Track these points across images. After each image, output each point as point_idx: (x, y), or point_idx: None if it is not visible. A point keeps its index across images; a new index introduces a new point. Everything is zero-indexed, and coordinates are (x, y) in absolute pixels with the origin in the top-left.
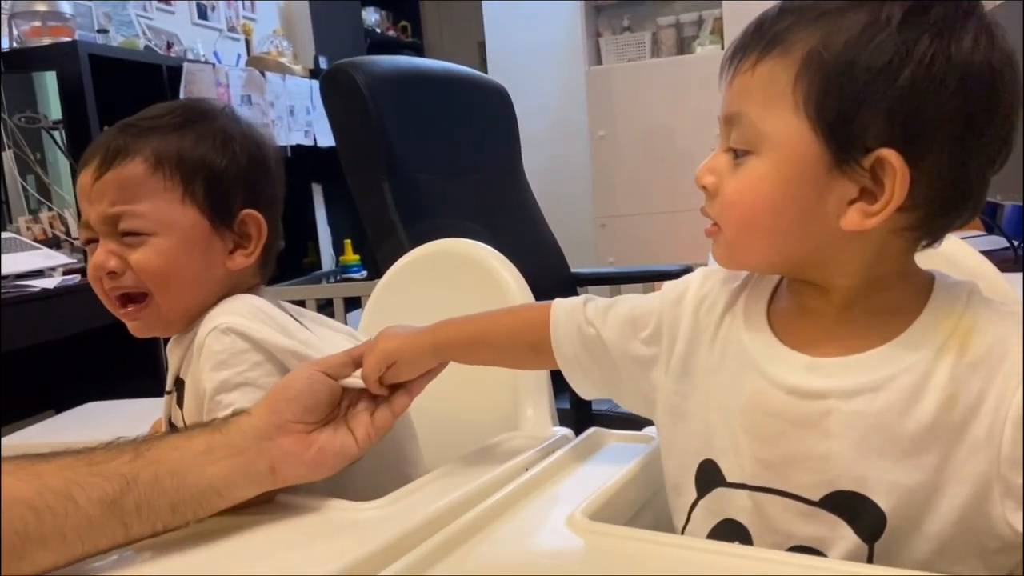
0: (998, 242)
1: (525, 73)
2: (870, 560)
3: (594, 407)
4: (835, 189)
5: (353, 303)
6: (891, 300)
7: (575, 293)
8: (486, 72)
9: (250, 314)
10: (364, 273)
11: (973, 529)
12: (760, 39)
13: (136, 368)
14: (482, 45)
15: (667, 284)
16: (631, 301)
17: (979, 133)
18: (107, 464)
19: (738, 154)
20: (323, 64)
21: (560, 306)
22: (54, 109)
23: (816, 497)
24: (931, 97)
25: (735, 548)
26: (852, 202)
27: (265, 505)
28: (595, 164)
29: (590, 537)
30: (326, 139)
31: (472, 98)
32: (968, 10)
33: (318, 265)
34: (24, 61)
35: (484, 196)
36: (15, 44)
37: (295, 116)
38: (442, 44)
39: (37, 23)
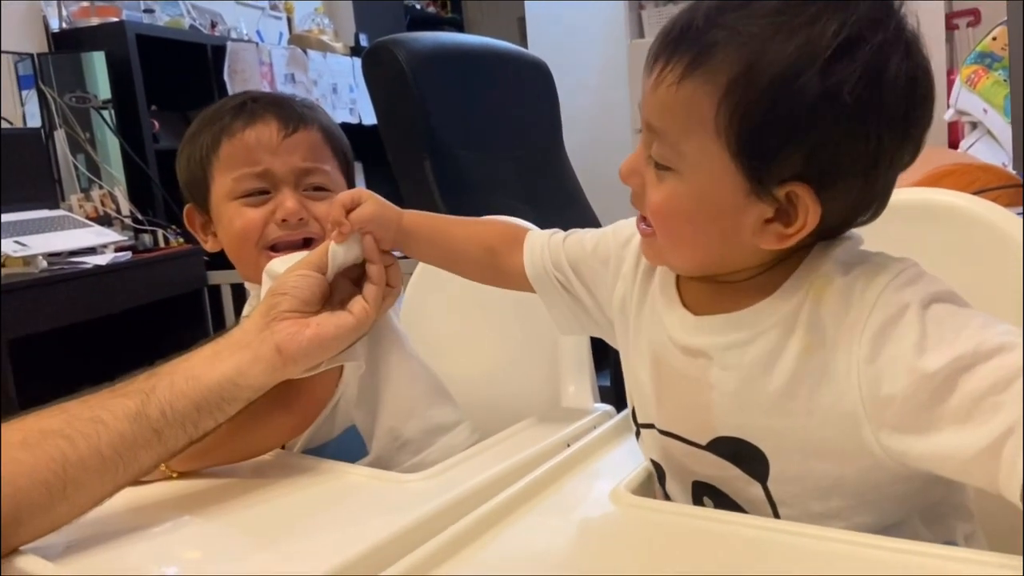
0: None
1: (566, 48)
2: (769, 498)
3: None
4: (751, 211)
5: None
6: (777, 271)
7: None
8: (526, 47)
9: None
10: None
11: (860, 466)
12: (687, 48)
13: (187, 341)
14: (522, 20)
15: (620, 223)
16: (589, 232)
17: (892, 159)
18: (126, 387)
19: (660, 166)
20: (363, 41)
21: (534, 232)
22: (103, 88)
23: (704, 441)
24: (849, 139)
25: (778, 524)
26: (768, 221)
27: (310, 467)
28: (636, 140)
29: (633, 511)
30: (370, 117)
31: (513, 74)
32: (898, 33)
33: None
34: (73, 41)
35: (525, 172)
36: (64, 25)
37: (338, 94)
38: (482, 19)
39: (85, 3)
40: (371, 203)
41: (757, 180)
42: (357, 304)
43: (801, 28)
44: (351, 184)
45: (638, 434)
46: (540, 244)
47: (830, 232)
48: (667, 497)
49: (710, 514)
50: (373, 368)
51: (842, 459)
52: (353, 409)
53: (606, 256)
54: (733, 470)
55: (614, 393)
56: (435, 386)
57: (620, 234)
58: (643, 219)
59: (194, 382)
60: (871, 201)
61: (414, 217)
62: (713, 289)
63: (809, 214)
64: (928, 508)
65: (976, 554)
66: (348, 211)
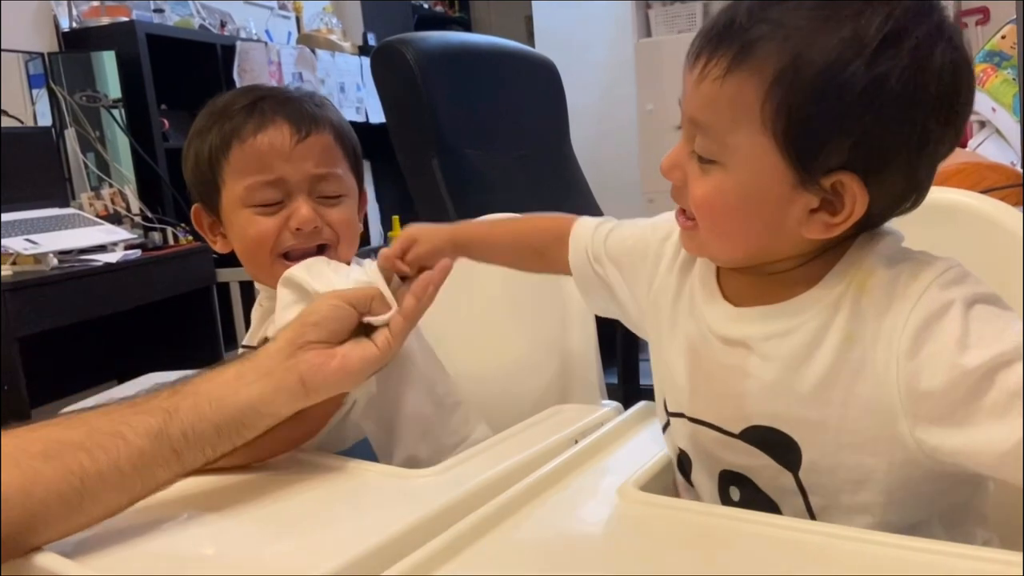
0: None
1: (573, 47)
2: (800, 487)
3: (642, 382)
4: (798, 201)
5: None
6: (812, 261)
7: None
8: (534, 46)
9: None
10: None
11: (892, 460)
12: (731, 43)
13: (196, 339)
14: (529, 19)
15: (660, 217)
16: (631, 227)
17: (935, 147)
18: (148, 403)
19: (703, 159)
20: (372, 41)
21: (580, 224)
22: (113, 87)
23: (737, 430)
24: (896, 127)
25: (785, 520)
26: (814, 211)
27: (318, 462)
28: (643, 138)
29: (640, 508)
30: (377, 116)
31: (520, 73)
32: (940, 24)
33: (367, 241)
34: (83, 41)
35: (532, 171)
36: (75, 24)
37: (346, 93)
38: (489, 19)
39: (95, 3)
40: (424, 241)
41: (805, 171)
42: (382, 336)
43: (846, 21)
44: (360, 181)
45: (666, 426)
46: (584, 239)
47: (873, 222)
48: (691, 487)
49: (718, 511)
50: (383, 387)
51: (875, 452)
52: (362, 421)
53: (644, 251)
54: (765, 459)
55: (621, 390)
56: (445, 397)
57: (660, 230)
58: (683, 212)
59: (217, 405)
60: (913, 190)
61: (465, 231)
62: (753, 281)
63: (857, 203)
64: (949, 511)
65: (1002, 554)
66: (403, 254)
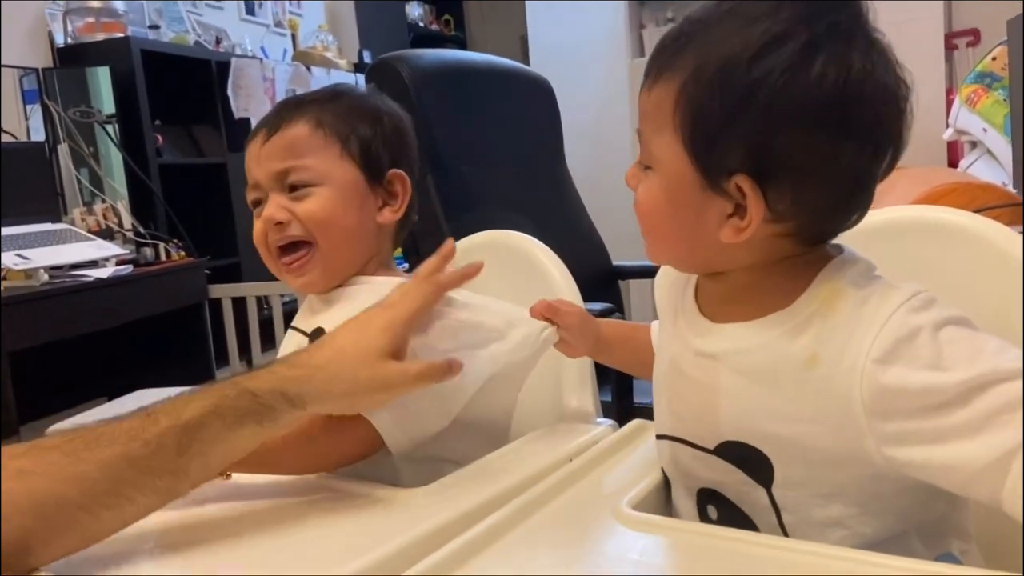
0: None
1: (568, 66)
2: (773, 503)
3: (636, 400)
4: (712, 206)
5: None
6: (784, 280)
7: (616, 286)
8: (529, 65)
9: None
10: (406, 265)
11: (862, 475)
12: (658, 60)
13: (187, 355)
14: (524, 38)
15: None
16: None
17: (833, 157)
18: (151, 460)
19: (645, 167)
20: (367, 58)
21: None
22: (107, 103)
23: (711, 446)
24: (782, 131)
25: (780, 541)
26: (729, 216)
27: (315, 488)
28: (636, 155)
29: (634, 527)
30: None
31: (515, 91)
32: (830, 31)
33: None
34: (78, 57)
35: (527, 189)
36: (69, 40)
37: None
38: (485, 37)
39: (91, 19)
40: (578, 311)
41: (706, 172)
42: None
43: (741, 28)
44: (373, 168)
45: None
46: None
47: (809, 236)
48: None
49: (712, 531)
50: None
51: (844, 468)
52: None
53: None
54: (738, 474)
55: (616, 408)
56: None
57: (656, 286)
58: None
59: (227, 462)
60: (836, 203)
61: (610, 328)
62: (727, 296)
63: (753, 207)
64: (927, 524)
65: (974, 571)
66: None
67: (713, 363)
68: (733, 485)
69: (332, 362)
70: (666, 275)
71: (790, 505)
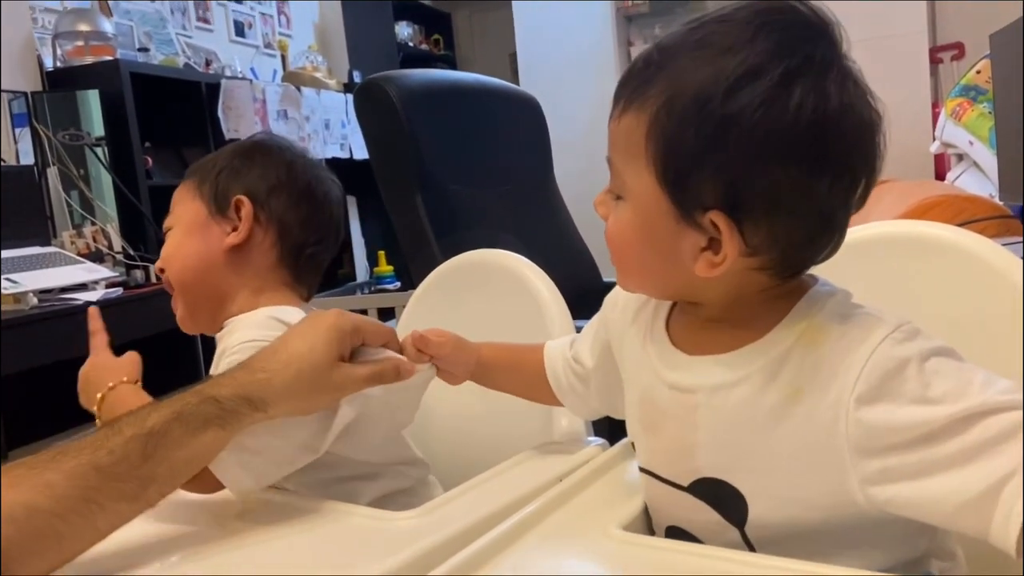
0: None
1: (557, 83)
2: (747, 541)
3: None
4: (686, 239)
5: (387, 314)
6: (759, 312)
7: None
8: (518, 83)
9: (263, 324)
10: (398, 284)
11: (842, 515)
12: (628, 86)
13: (178, 377)
14: (513, 56)
15: (606, 299)
16: (589, 324)
17: (809, 192)
18: (116, 468)
19: (616, 196)
20: (357, 78)
21: (550, 349)
22: (97, 126)
23: (686, 483)
24: (758, 165)
25: (771, 560)
26: (703, 249)
27: (304, 511)
28: None
29: (625, 548)
30: (361, 152)
31: (504, 109)
32: (806, 65)
33: (352, 276)
34: (68, 80)
35: (517, 207)
36: (59, 63)
37: (330, 130)
38: (474, 56)
39: (80, 43)
40: (451, 339)
41: (680, 206)
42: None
43: (714, 59)
44: (219, 199)
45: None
46: (560, 360)
47: (784, 269)
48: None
49: (703, 550)
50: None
51: (823, 507)
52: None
53: (606, 324)
54: (711, 514)
55: (606, 426)
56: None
57: (608, 304)
58: None
59: (194, 468)
60: (811, 238)
61: (491, 351)
62: (701, 327)
63: (727, 241)
64: (904, 563)
65: None
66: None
67: (689, 397)
68: (704, 524)
69: (288, 366)
70: (625, 297)
71: (765, 544)
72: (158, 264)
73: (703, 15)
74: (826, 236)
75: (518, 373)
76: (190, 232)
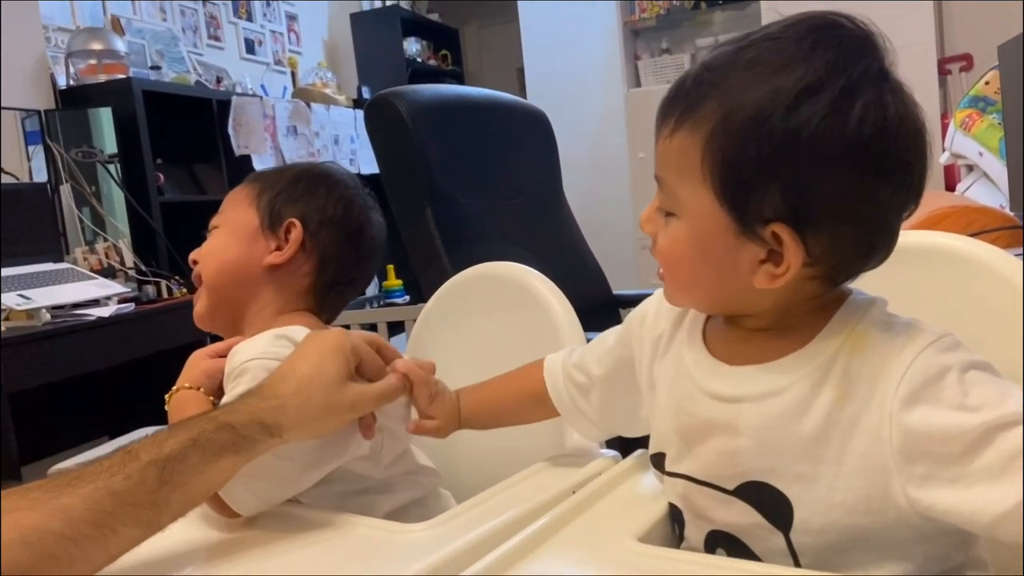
0: None
1: (564, 97)
2: (791, 549)
3: None
4: (745, 252)
5: (397, 328)
6: (803, 321)
7: (617, 315)
8: (525, 98)
9: (270, 342)
10: (407, 298)
11: (885, 520)
12: (678, 105)
13: None
14: (521, 71)
15: (633, 311)
16: (603, 336)
17: (872, 200)
18: (132, 493)
19: (666, 213)
20: (366, 94)
21: (550, 361)
22: (109, 143)
23: (731, 487)
24: (820, 178)
25: (790, 571)
26: (762, 262)
27: (317, 523)
28: (635, 186)
29: (642, 560)
30: (369, 167)
31: (512, 124)
32: (864, 77)
33: (361, 290)
34: (80, 98)
35: (526, 220)
36: (72, 82)
37: (339, 145)
38: (482, 71)
39: (93, 61)
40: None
41: (741, 221)
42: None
43: (771, 76)
44: (273, 216)
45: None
46: (560, 373)
47: (837, 277)
48: (682, 539)
49: (719, 562)
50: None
51: (867, 512)
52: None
53: (630, 341)
54: (756, 517)
55: (619, 438)
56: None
57: (635, 319)
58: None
59: (207, 494)
60: (870, 245)
61: (469, 397)
62: (741, 338)
63: (791, 253)
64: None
65: None
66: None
67: (733, 406)
68: (750, 529)
69: (300, 390)
70: (655, 312)
71: (808, 551)
72: (193, 255)
73: (748, 33)
74: (883, 242)
75: (502, 411)
76: (236, 237)
